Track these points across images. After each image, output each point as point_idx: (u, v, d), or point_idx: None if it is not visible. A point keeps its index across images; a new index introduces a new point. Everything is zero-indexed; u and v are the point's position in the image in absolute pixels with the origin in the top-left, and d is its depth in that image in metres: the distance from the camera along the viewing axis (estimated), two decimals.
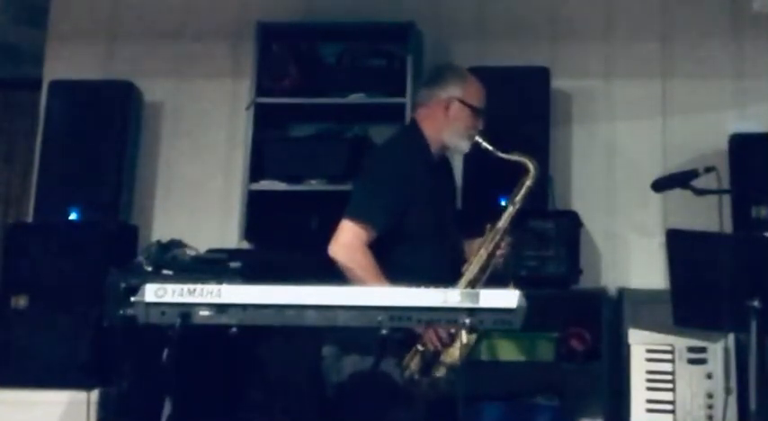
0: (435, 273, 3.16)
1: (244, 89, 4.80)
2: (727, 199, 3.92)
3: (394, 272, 3.17)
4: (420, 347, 3.21)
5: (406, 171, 3.38)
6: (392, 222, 3.30)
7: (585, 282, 4.41)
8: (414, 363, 3.23)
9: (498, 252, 3.40)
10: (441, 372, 3.23)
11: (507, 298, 2.56)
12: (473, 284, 3.30)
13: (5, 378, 4.21)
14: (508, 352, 4.21)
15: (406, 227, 3.33)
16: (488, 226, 3.42)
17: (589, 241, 4.61)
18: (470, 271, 3.35)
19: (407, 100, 4.51)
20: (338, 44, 4.88)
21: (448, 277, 3.23)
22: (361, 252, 3.25)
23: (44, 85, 4.95)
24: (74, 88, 4.82)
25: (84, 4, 5.19)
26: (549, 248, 4.27)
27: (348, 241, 3.25)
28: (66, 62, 5.07)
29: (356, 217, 3.28)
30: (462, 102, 3.46)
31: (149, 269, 3.90)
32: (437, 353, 3.22)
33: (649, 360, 3.78)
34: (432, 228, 3.38)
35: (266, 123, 4.76)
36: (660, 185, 3.80)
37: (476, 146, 3.46)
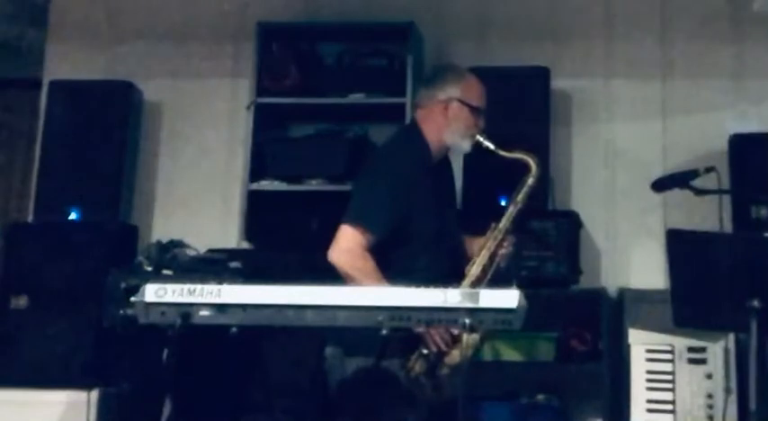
0: (436, 275, 3.15)
1: (244, 89, 4.80)
2: (727, 199, 3.93)
3: (395, 275, 3.15)
4: (424, 350, 3.20)
5: (406, 174, 3.36)
6: (391, 227, 3.28)
7: (585, 282, 4.41)
8: (418, 365, 3.22)
9: (501, 251, 3.39)
10: (444, 373, 3.22)
11: (507, 298, 2.56)
12: (476, 285, 3.29)
13: (5, 378, 4.20)
14: (508, 352, 4.21)
15: (407, 230, 3.30)
16: (492, 225, 3.41)
17: (589, 241, 4.61)
18: (473, 271, 3.34)
19: (407, 100, 4.50)
20: (338, 44, 4.88)
21: (449, 279, 3.20)
22: (361, 257, 3.22)
23: (44, 85, 4.95)
24: (74, 88, 4.81)
25: (84, 4, 5.18)
26: (549, 248, 4.27)
27: (348, 247, 3.23)
28: (67, 62, 5.07)
29: (355, 222, 3.25)
30: (461, 101, 3.44)
31: (149, 269, 3.89)
32: (441, 356, 3.21)
33: (649, 360, 3.79)
34: (432, 231, 3.36)
35: (266, 123, 4.75)
36: (660, 185, 3.80)
37: (477, 145, 3.45)
